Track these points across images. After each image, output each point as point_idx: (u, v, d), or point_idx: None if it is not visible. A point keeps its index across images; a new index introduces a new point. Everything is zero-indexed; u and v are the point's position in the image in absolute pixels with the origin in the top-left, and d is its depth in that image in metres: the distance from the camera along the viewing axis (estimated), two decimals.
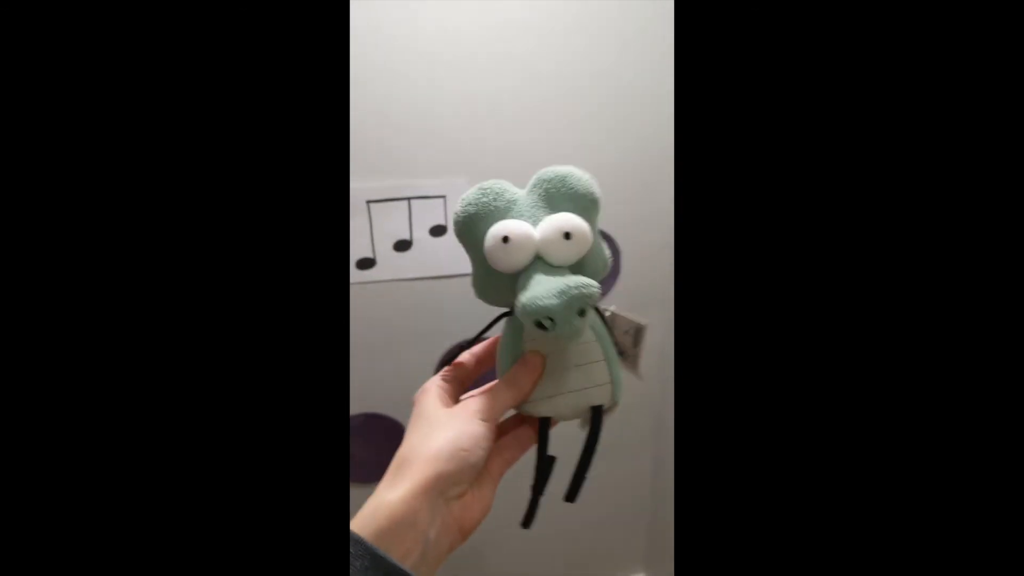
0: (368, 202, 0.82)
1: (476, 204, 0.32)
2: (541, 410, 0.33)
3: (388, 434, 0.90)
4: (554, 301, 0.28)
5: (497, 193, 0.32)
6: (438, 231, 0.86)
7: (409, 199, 0.84)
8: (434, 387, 0.32)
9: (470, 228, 0.32)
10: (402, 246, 0.86)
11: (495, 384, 0.32)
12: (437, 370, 0.34)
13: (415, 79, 0.79)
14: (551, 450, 0.34)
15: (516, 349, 0.33)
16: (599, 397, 0.33)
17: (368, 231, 0.84)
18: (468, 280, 0.35)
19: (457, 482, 0.28)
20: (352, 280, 0.85)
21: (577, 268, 0.32)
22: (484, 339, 0.36)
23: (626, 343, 0.31)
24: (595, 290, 0.28)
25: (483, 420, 0.29)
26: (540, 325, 0.28)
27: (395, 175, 0.83)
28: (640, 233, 0.94)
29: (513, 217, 0.32)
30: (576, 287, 0.28)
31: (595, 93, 0.85)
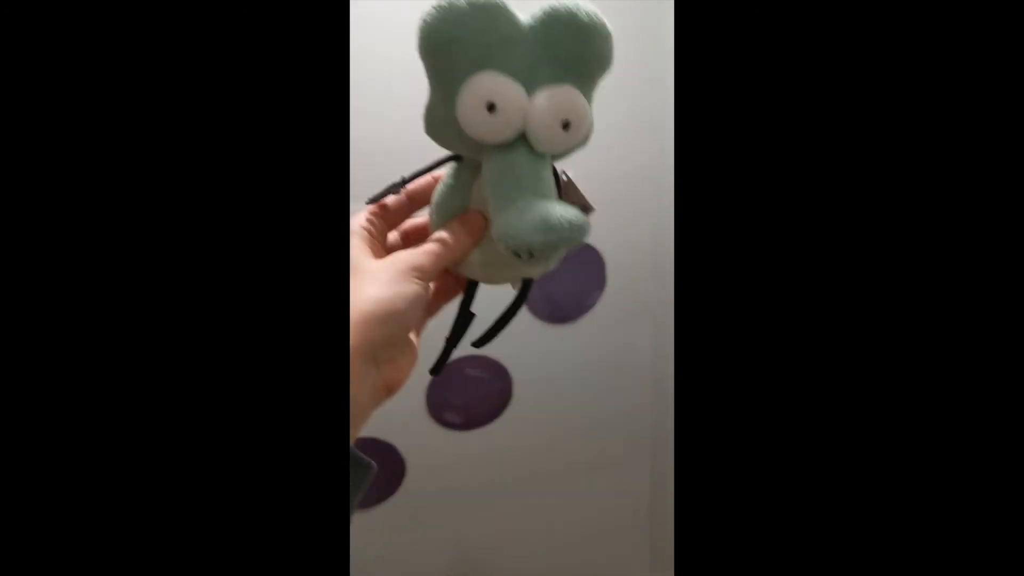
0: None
1: (462, 24, 0.24)
2: (475, 274, 0.30)
3: (383, 457, 0.89)
4: (539, 236, 0.24)
5: (493, 17, 0.24)
6: None
7: None
8: (359, 229, 0.28)
9: (445, 53, 0.25)
10: None
11: (431, 241, 0.28)
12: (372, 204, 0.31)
13: (397, 84, 0.79)
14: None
15: (458, 202, 0.29)
16: (533, 271, 0.30)
17: None
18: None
19: (389, 346, 0.26)
20: None
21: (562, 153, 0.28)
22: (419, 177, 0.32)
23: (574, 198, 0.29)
24: (585, 234, 0.25)
25: (419, 279, 0.26)
26: (515, 254, 0.25)
27: (392, 173, 0.82)
28: (625, 242, 0.95)
29: (507, 67, 0.25)
30: (568, 227, 0.25)
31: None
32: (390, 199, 0.31)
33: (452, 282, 0.32)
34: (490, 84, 0.24)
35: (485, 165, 0.27)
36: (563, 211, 0.25)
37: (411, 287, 0.26)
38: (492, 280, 0.30)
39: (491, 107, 0.25)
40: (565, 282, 0.94)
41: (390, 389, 0.28)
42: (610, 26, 0.26)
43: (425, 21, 0.24)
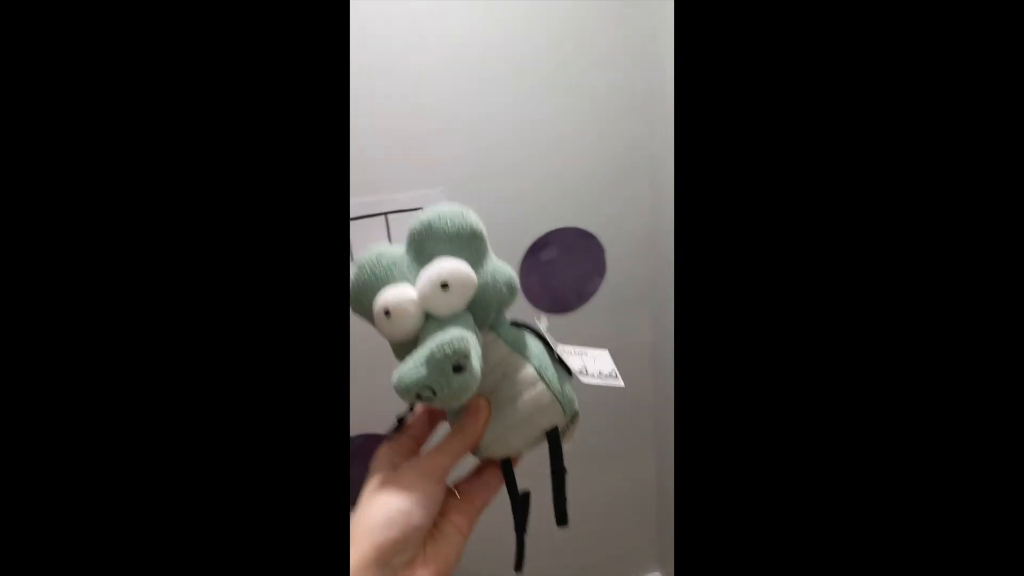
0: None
1: (356, 283, 0.30)
2: (496, 452, 0.31)
3: None
4: (421, 371, 0.26)
5: (373, 264, 0.30)
6: None
7: (386, 214, 0.83)
8: (381, 454, 0.31)
9: (361, 306, 0.30)
10: None
11: (445, 437, 0.31)
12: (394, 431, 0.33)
13: (386, 93, 0.78)
14: (524, 485, 0.33)
15: None
16: (548, 420, 0.31)
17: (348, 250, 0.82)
18: None
19: (400, 550, 0.26)
20: None
21: (476, 307, 0.30)
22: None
23: (584, 366, 0.30)
24: (461, 343, 0.26)
25: (427, 476, 0.28)
26: (420, 398, 0.27)
27: (370, 191, 0.81)
28: (621, 231, 0.94)
29: (396, 281, 0.29)
30: (439, 347, 0.26)
31: (570, 95, 0.85)
32: (412, 419, 0.33)
33: (491, 473, 0.32)
34: (379, 298, 0.29)
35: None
36: (439, 338, 0.26)
37: (419, 486, 0.27)
38: (515, 448, 0.32)
39: (387, 313, 0.29)
40: (564, 272, 0.93)
41: None
42: (443, 215, 0.30)
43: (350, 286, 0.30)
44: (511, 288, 0.31)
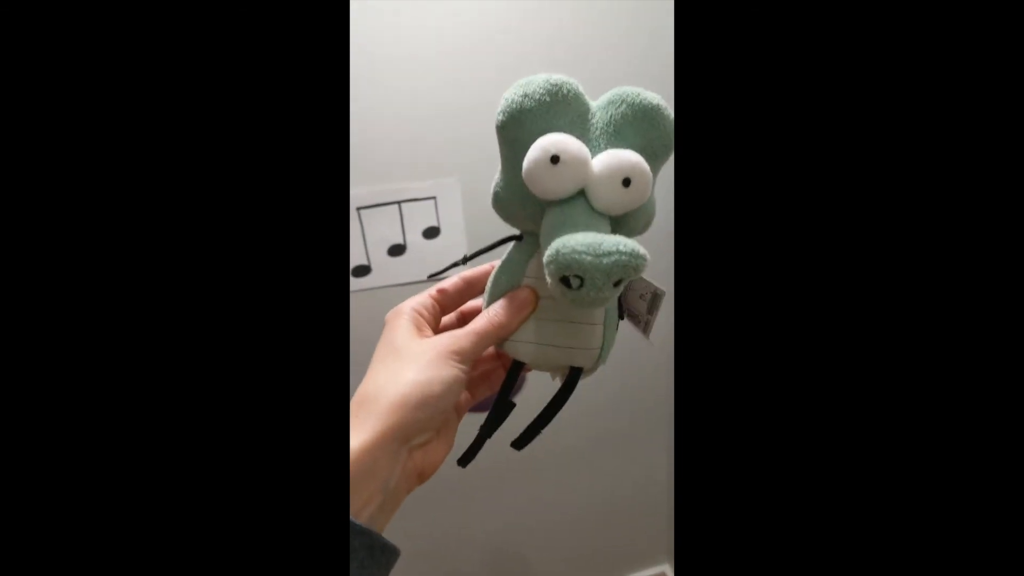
0: (359, 209, 0.81)
1: (541, 101, 0.26)
2: (520, 353, 0.29)
3: None
4: (594, 260, 0.23)
5: (564, 94, 0.26)
6: (431, 233, 0.85)
7: (399, 203, 0.83)
8: (408, 310, 0.28)
9: (523, 123, 0.26)
10: (396, 251, 0.84)
11: (477, 320, 0.28)
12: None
13: (397, 82, 0.77)
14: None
15: (513, 280, 0.29)
16: (583, 359, 0.29)
17: (361, 238, 0.82)
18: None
19: (423, 430, 0.26)
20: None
21: (620, 219, 0.27)
22: (478, 261, 0.32)
23: (640, 308, 0.28)
24: (644, 262, 0.24)
25: (460, 360, 0.26)
26: (565, 282, 0.24)
27: (384, 180, 0.81)
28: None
29: (568, 132, 0.26)
30: (626, 253, 0.23)
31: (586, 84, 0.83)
32: (448, 283, 0.31)
33: (498, 372, 0.31)
34: (554, 139, 0.26)
35: (545, 219, 0.27)
36: (625, 241, 0.24)
37: (449, 371, 0.26)
38: (539, 363, 0.30)
39: (555, 159, 0.25)
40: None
41: (422, 476, 0.27)
42: (670, 113, 0.27)
43: (505, 97, 0.27)
44: (648, 224, 0.29)
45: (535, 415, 0.30)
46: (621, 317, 0.31)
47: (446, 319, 0.32)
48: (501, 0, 0.77)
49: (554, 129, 0.26)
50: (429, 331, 0.29)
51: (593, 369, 0.30)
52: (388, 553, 0.25)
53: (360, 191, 0.80)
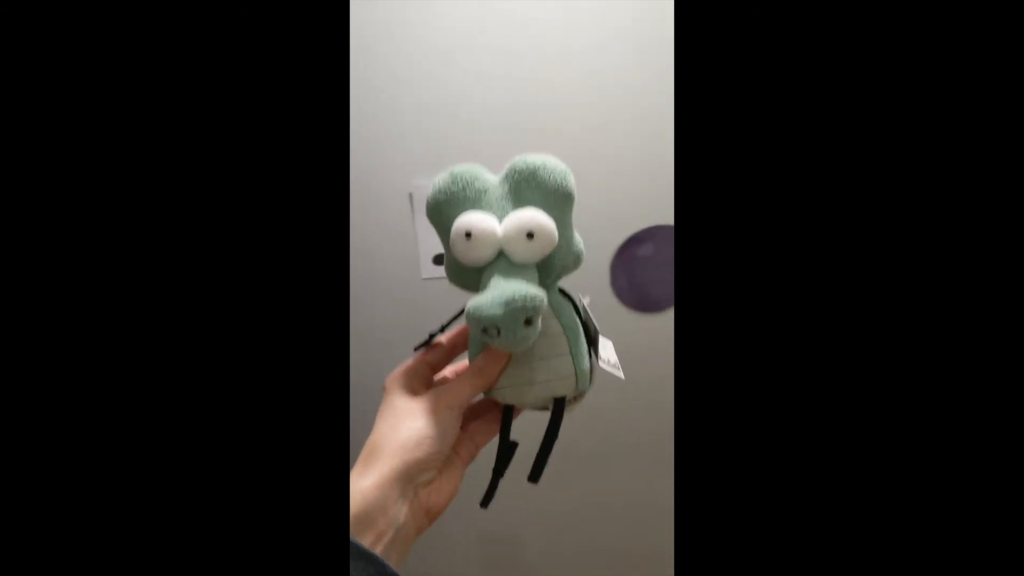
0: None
1: (445, 192, 0.32)
2: (506, 398, 0.34)
3: None
4: (498, 311, 0.28)
5: (468, 181, 0.32)
6: None
7: (410, 193, 0.83)
8: (401, 376, 0.33)
9: (439, 214, 0.32)
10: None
11: (464, 372, 0.33)
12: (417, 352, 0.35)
13: (411, 75, 0.78)
14: (514, 435, 0.35)
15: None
16: (562, 389, 0.33)
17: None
18: None
19: (425, 469, 0.29)
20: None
21: (543, 265, 0.31)
22: (454, 325, 0.37)
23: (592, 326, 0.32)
24: (540, 302, 0.28)
25: (449, 408, 0.31)
26: (487, 333, 0.29)
27: (393, 172, 0.82)
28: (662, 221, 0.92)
29: (482, 208, 0.31)
30: (521, 297, 0.28)
31: (605, 92, 0.82)
32: (437, 342, 0.36)
33: (495, 417, 0.35)
34: (464, 219, 0.31)
35: (482, 281, 0.31)
36: (522, 288, 0.28)
37: (442, 414, 0.30)
38: (524, 402, 0.34)
39: (468, 235, 0.30)
40: (657, 270, 0.89)
41: (430, 515, 0.30)
42: (555, 166, 0.31)
43: (427, 199, 0.32)
44: (578, 261, 0.33)
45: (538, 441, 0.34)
46: (591, 344, 0.35)
47: (445, 373, 0.36)
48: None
49: (465, 209, 0.31)
50: (422, 391, 0.33)
51: (578, 395, 0.35)
52: None
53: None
